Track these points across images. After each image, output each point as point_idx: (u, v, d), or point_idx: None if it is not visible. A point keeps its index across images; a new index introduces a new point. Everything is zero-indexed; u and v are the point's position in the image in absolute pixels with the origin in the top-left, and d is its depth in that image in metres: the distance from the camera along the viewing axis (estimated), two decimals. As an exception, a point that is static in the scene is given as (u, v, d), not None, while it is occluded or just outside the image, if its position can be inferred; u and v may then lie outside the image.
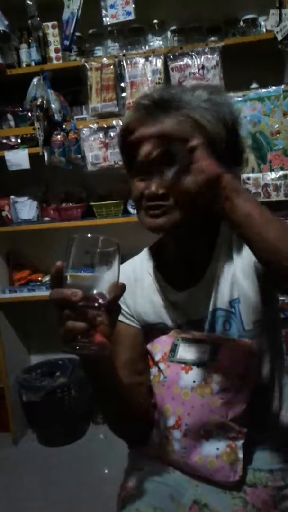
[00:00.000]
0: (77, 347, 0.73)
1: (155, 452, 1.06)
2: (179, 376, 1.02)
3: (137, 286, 1.12)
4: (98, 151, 2.34)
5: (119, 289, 0.76)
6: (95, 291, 0.74)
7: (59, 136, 2.35)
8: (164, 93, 0.92)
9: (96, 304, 0.74)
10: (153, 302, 1.09)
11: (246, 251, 1.00)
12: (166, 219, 0.92)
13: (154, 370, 1.09)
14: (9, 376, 2.61)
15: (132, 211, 2.38)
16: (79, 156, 2.35)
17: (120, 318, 1.08)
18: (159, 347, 1.08)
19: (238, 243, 1.02)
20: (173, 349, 1.05)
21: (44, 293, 2.54)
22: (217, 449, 0.98)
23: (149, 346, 1.10)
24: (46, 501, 2.13)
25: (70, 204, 2.53)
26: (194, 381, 1.01)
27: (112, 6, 2.24)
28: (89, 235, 0.75)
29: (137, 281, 1.12)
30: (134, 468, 1.09)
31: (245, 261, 1.01)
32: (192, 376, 1.01)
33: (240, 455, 0.98)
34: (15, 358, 2.72)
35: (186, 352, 1.04)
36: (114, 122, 2.31)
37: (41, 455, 2.53)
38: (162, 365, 1.05)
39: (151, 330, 1.11)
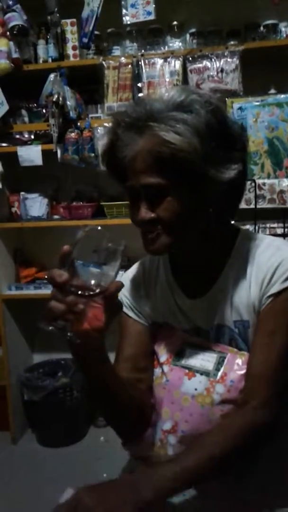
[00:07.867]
0: (51, 327, 0.77)
1: (147, 452, 1.04)
2: (182, 381, 1.01)
3: (150, 284, 1.11)
4: (112, 150, 2.32)
5: (114, 286, 0.79)
6: (92, 282, 0.77)
7: (73, 134, 2.33)
8: (134, 115, 0.90)
9: (86, 293, 0.77)
10: (162, 303, 1.08)
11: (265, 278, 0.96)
12: (157, 245, 0.94)
13: (158, 371, 1.07)
14: (12, 374, 2.58)
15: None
16: (93, 154, 2.33)
17: (129, 313, 1.10)
18: (165, 349, 1.06)
19: (259, 266, 0.98)
20: (179, 353, 1.04)
21: (50, 291, 2.50)
22: None
23: (155, 347, 1.09)
24: (43, 501, 2.08)
25: (81, 203, 2.51)
26: (196, 389, 0.99)
27: (132, 6, 2.22)
28: (99, 227, 0.79)
29: (151, 278, 1.11)
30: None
31: (258, 288, 0.97)
32: (194, 383, 0.99)
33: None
34: (19, 356, 2.69)
35: (192, 358, 1.02)
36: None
37: (40, 455, 2.50)
38: (166, 368, 1.04)
39: (158, 330, 1.09)
